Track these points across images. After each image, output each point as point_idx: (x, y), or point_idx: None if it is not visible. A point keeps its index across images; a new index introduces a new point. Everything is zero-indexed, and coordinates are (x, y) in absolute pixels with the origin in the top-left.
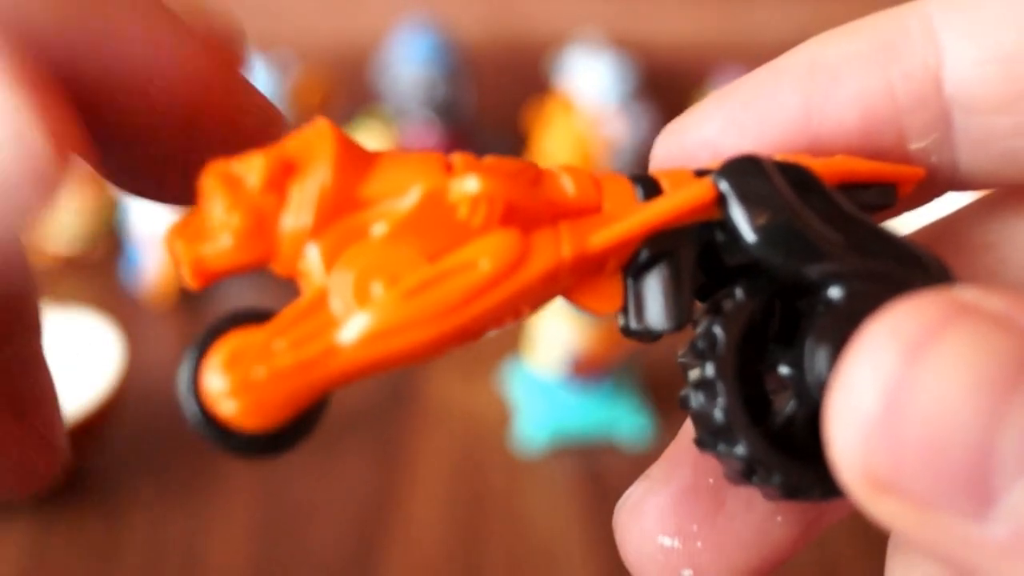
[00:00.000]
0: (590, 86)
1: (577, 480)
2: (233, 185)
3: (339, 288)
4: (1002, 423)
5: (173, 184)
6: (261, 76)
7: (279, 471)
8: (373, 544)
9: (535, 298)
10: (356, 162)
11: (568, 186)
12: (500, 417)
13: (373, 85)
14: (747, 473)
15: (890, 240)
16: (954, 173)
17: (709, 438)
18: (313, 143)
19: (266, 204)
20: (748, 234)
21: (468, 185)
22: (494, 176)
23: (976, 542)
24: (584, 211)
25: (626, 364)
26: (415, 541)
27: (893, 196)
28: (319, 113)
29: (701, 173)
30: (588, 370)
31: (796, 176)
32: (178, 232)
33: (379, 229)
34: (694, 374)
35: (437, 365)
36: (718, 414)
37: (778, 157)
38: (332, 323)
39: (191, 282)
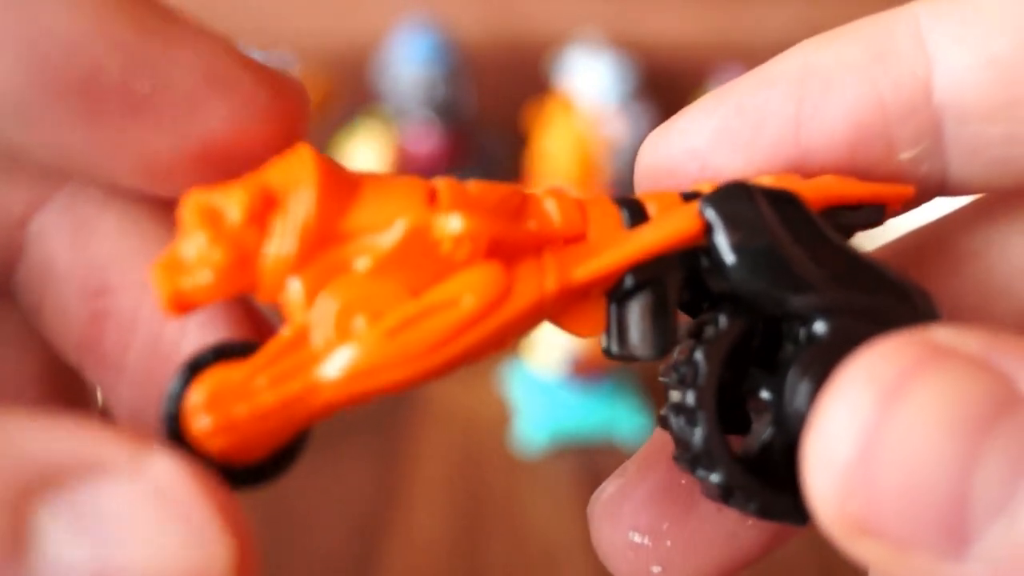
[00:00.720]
0: (590, 86)
1: (577, 480)
2: (213, 219)
3: (321, 323)
4: (978, 465)
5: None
6: None
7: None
8: (373, 544)
9: (520, 328)
10: (339, 193)
11: (553, 213)
12: (500, 417)
13: (373, 85)
14: (724, 497)
15: (878, 273)
16: (944, 180)
17: (687, 461)
18: (295, 173)
19: (248, 238)
20: (732, 270)
21: (451, 224)
22: (477, 213)
23: None
24: (569, 239)
25: (626, 364)
26: (415, 541)
27: (881, 216)
28: (319, 113)
29: (689, 197)
30: (588, 370)
31: (784, 205)
32: (160, 263)
33: (362, 263)
34: (675, 396)
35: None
36: (697, 442)
37: (766, 181)
38: (313, 359)
39: (168, 313)
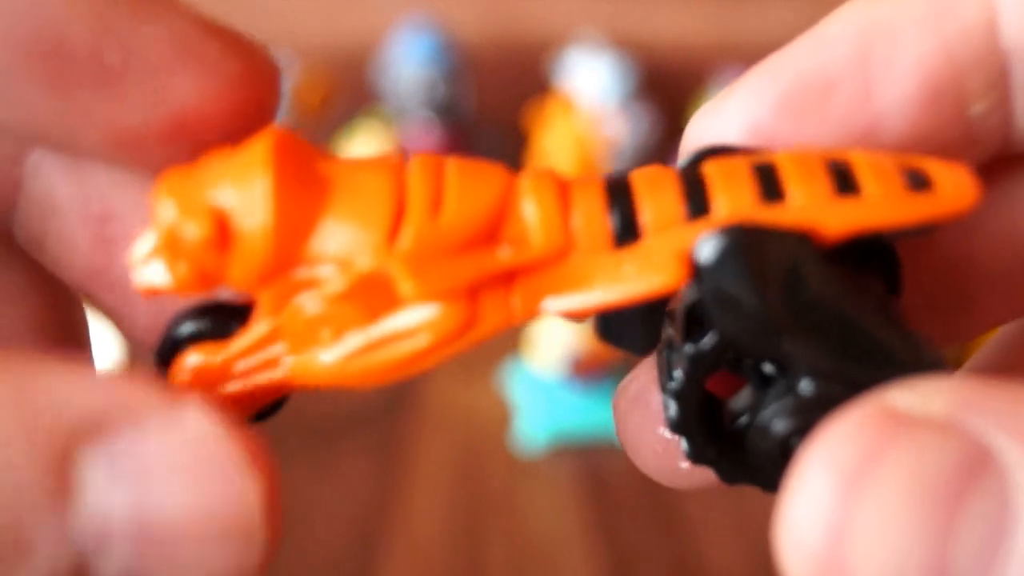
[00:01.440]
0: (590, 86)
1: (577, 480)
2: (173, 244)
3: (287, 332)
4: (954, 537)
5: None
6: None
7: (279, 471)
8: (373, 544)
9: (489, 338)
10: (299, 214)
11: (533, 229)
12: (500, 417)
13: (373, 85)
14: (691, 459)
15: (884, 341)
16: (1009, 133)
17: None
18: (254, 197)
19: (208, 260)
20: (719, 331)
21: (403, 289)
22: (431, 260)
23: None
24: (548, 261)
25: (626, 364)
26: (415, 541)
27: (931, 230)
28: (319, 113)
29: (693, 204)
30: (588, 370)
31: (792, 254)
32: (134, 256)
33: (327, 281)
34: (665, 385)
35: (437, 365)
36: (672, 415)
37: (791, 200)
38: (280, 359)
39: (144, 298)
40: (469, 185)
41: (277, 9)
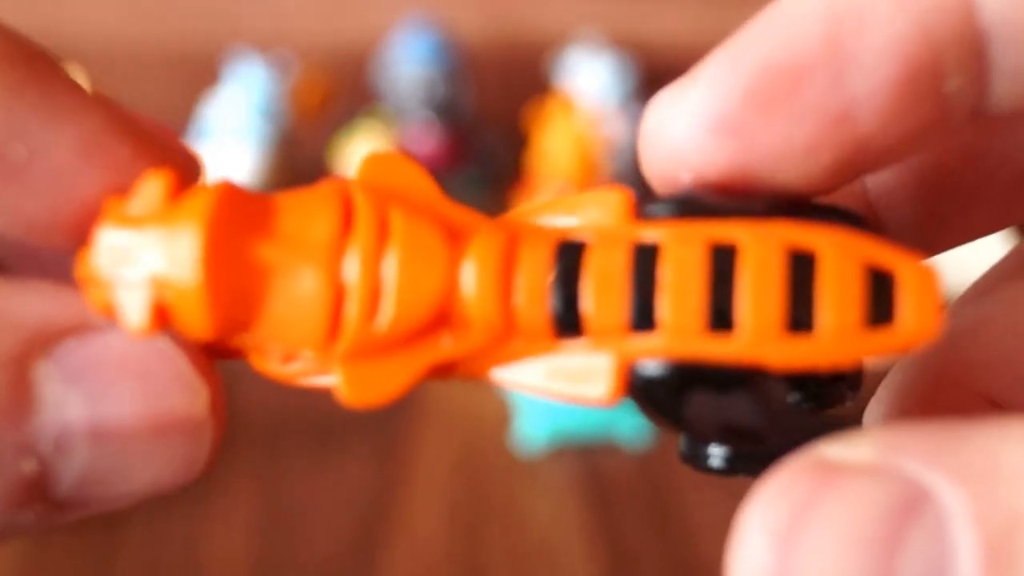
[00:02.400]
0: (590, 86)
1: (577, 480)
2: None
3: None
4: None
5: None
6: (261, 76)
7: (279, 471)
8: (373, 544)
9: None
10: (232, 312)
11: (473, 321)
12: (500, 417)
13: (373, 85)
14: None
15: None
16: (982, 104)
17: None
18: (185, 292)
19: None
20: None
21: (341, 393)
22: (368, 379)
23: None
24: (489, 346)
25: None
26: (415, 541)
27: (857, 386)
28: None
29: (639, 309)
30: None
31: (728, 399)
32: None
33: (271, 349)
34: None
35: None
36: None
37: (743, 326)
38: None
39: None
40: (412, 276)
41: (277, 9)
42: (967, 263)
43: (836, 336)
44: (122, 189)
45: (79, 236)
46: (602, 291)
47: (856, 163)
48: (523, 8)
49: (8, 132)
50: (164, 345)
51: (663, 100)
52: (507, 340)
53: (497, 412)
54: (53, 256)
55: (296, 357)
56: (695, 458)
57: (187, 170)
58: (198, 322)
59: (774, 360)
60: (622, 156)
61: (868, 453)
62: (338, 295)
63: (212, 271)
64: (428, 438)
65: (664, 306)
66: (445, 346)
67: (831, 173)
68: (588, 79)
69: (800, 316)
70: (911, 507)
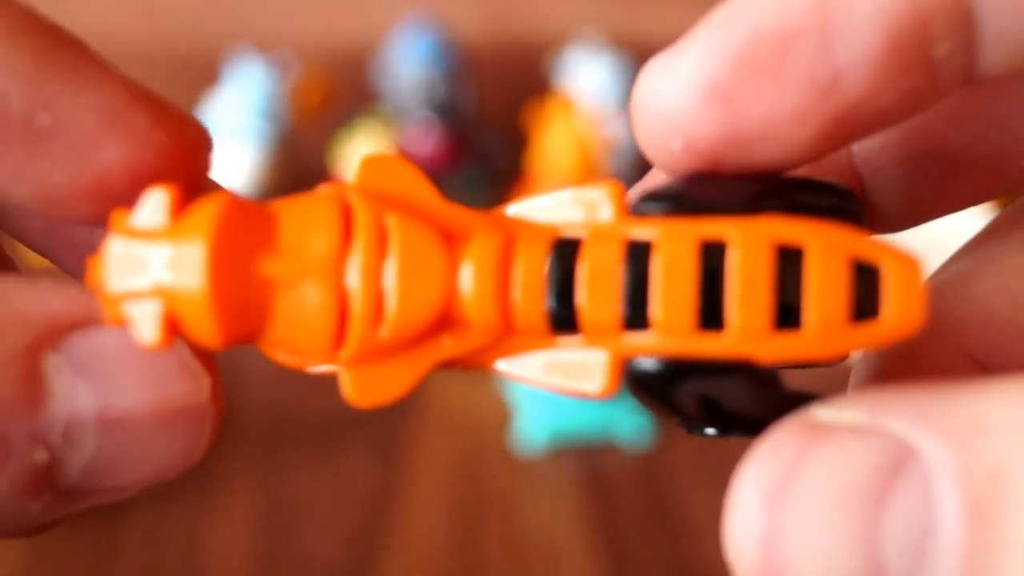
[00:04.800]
0: (590, 86)
1: (577, 480)
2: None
3: None
4: (882, 533)
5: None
6: (261, 76)
7: (279, 471)
8: (373, 544)
9: None
10: (240, 327)
11: (472, 322)
12: (500, 417)
13: (373, 85)
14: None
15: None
16: (972, 70)
17: None
18: (197, 315)
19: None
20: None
21: (347, 394)
22: (373, 382)
23: None
24: (488, 343)
25: None
26: (415, 541)
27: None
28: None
29: (632, 311)
30: None
31: (719, 388)
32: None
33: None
34: None
35: None
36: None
37: (730, 330)
38: None
39: None
40: (413, 280)
41: (277, 9)
42: (952, 243)
43: (822, 332)
44: (139, 159)
45: (98, 206)
46: (596, 290)
47: (846, 129)
48: (523, 8)
49: (34, 101)
50: None
51: (654, 68)
52: (505, 338)
53: (497, 412)
54: (79, 238)
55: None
56: (690, 428)
57: (198, 143)
58: (207, 333)
59: (762, 356)
60: (622, 156)
61: (857, 415)
62: (342, 304)
63: (219, 283)
64: (428, 438)
65: (656, 305)
66: (446, 346)
67: (821, 139)
68: (588, 79)
69: (787, 314)
70: (898, 464)
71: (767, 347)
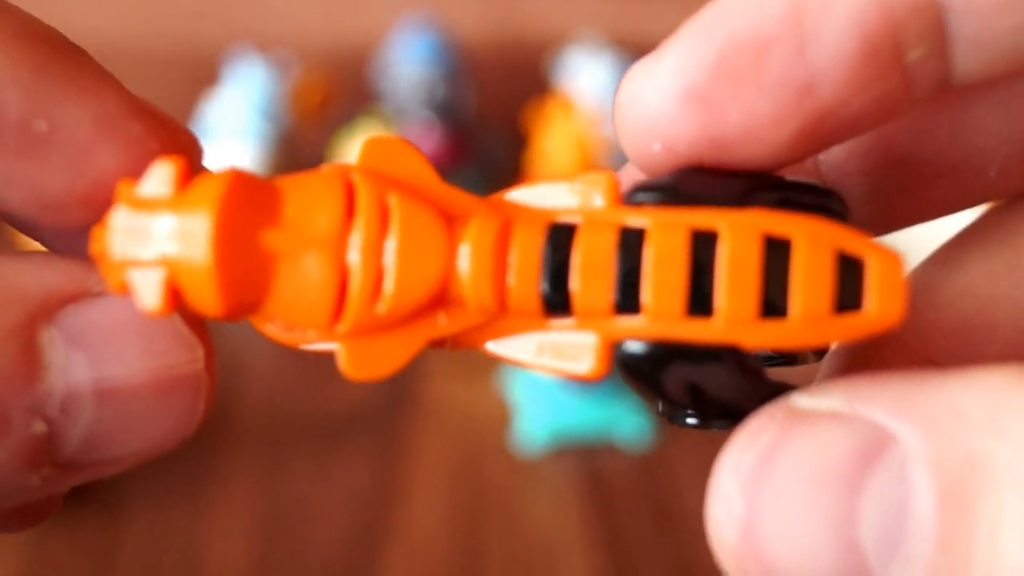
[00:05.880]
0: (590, 86)
1: (577, 480)
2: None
3: None
4: (858, 516)
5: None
6: (261, 76)
7: (279, 470)
8: (373, 544)
9: None
10: (243, 295)
11: (468, 300)
12: (500, 417)
13: (373, 85)
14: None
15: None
16: (947, 76)
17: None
18: (196, 281)
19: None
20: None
21: (342, 368)
22: (368, 357)
23: None
24: (482, 323)
25: None
26: (415, 541)
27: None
28: (319, 113)
29: (624, 289)
30: None
31: (710, 371)
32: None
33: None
34: None
35: (437, 365)
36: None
37: (718, 312)
38: None
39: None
40: (412, 260)
41: (277, 9)
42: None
43: (806, 322)
44: (134, 166)
45: (92, 213)
46: (589, 274)
47: (822, 133)
48: (523, 8)
49: (32, 108)
50: None
51: (635, 72)
52: (499, 318)
53: (497, 412)
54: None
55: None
56: (672, 416)
57: (190, 151)
58: (209, 302)
59: (748, 342)
60: (622, 156)
61: (834, 401)
62: (342, 278)
63: (223, 254)
64: (428, 438)
65: (647, 291)
66: (441, 324)
67: (798, 142)
68: (588, 79)
69: (774, 303)
70: (874, 450)
71: (753, 334)
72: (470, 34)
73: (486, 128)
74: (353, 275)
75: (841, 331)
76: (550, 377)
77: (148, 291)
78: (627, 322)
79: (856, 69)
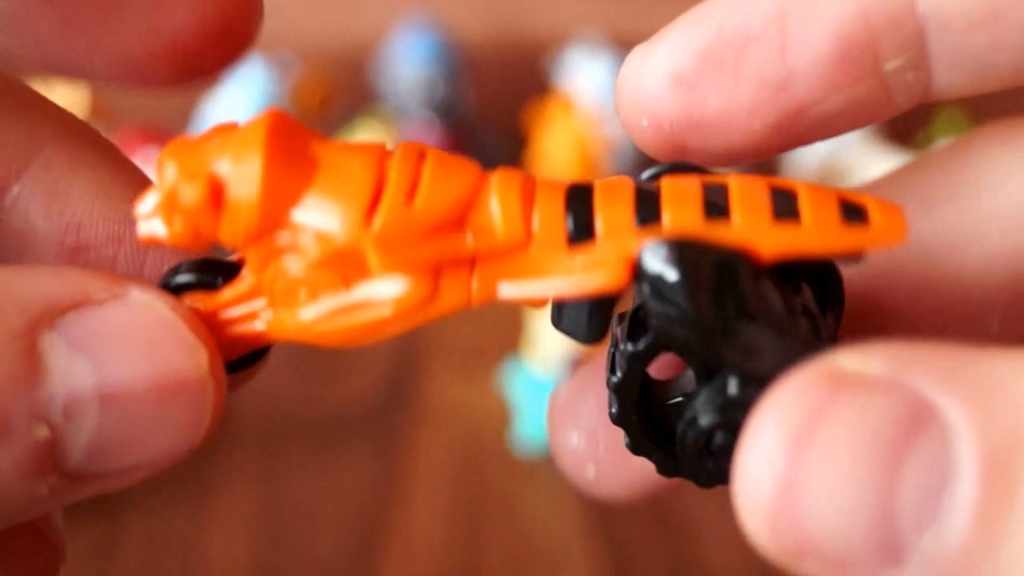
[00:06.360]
0: (590, 86)
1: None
2: (172, 201)
3: (268, 289)
4: (899, 485)
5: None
6: (261, 76)
7: (279, 470)
8: (373, 544)
9: (448, 315)
10: (286, 188)
11: (496, 222)
12: (500, 417)
13: (373, 85)
14: (632, 452)
15: (812, 349)
16: (928, 87)
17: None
18: (247, 159)
19: (201, 220)
20: (657, 328)
21: (371, 261)
22: (401, 240)
23: None
24: (507, 251)
25: None
26: (415, 541)
27: (860, 258)
28: (319, 113)
29: (643, 209)
30: None
31: (729, 270)
32: (137, 209)
33: (307, 253)
34: (609, 367)
35: (437, 365)
36: (614, 413)
37: (733, 221)
38: (260, 312)
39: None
40: (443, 177)
41: (277, 9)
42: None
43: (817, 226)
44: (206, 16)
45: (173, 69)
46: (611, 202)
47: (797, 129)
48: (523, 8)
49: None
50: (161, 310)
51: (632, 56)
52: (521, 250)
53: (497, 412)
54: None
55: (323, 291)
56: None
57: (250, 7)
58: (252, 191)
59: (764, 244)
60: (622, 156)
61: (880, 367)
62: (379, 184)
63: (274, 146)
64: (428, 438)
65: (667, 206)
66: (467, 242)
67: (774, 133)
68: (588, 79)
69: (784, 213)
70: (918, 422)
71: (768, 236)
72: (470, 34)
73: (486, 128)
74: (389, 180)
75: (851, 239)
76: (553, 375)
77: (190, 191)
78: (648, 232)
79: (832, 71)
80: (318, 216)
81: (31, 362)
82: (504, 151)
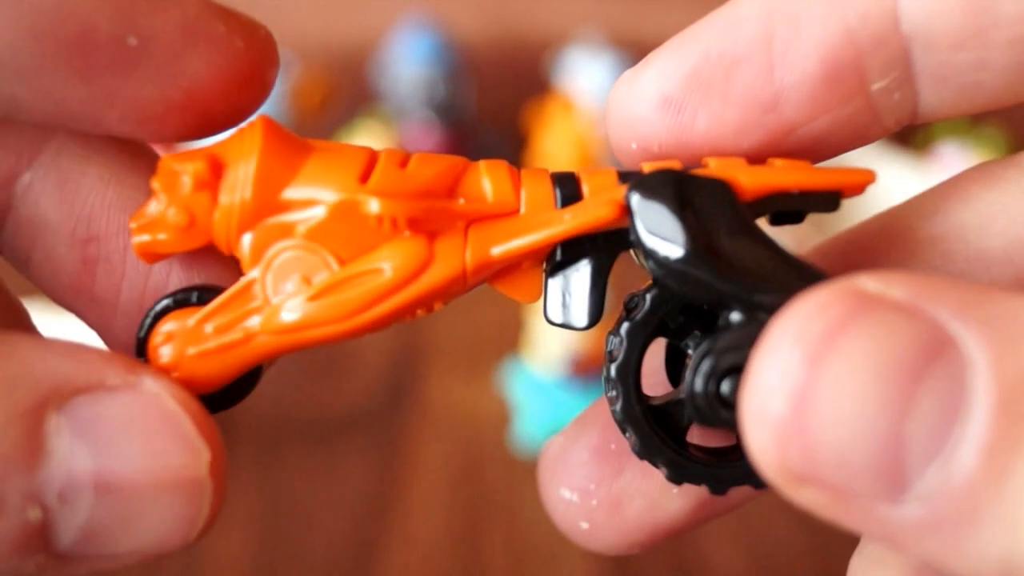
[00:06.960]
0: (590, 86)
1: None
2: (172, 185)
3: (261, 280)
4: (910, 411)
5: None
6: None
7: (279, 470)
8: (373, 544)
9: (443, 295)
10: (280, 165)
11: (487, 189)
12: (500, 417)
13: (373, 85)
14: (640, 457)
15: (796, 267)
16: (915, 108)
17: (616, 423)
18: (246, 146)
19: (197, 203)
20: (650, 255)
21: (371, 206)
22: (399, 194)
23: (895, 522)
24: (499, 215)
25: None
26: (415, 541)
27: (836, 202)
28: (319, 113)
29: (626, 177)
30: (588, 370)
31: (714, 194)
32: (135, 220)
33: (301, 228)
34: (604, 370)
35: (437, 365)
36: (617, 412)
37: (712, 164)
38: (253, 312)
39: (143, 260)
40: (430, 156)
41: (277, 9)
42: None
43: (791, 167)
44: (223, 67)
45: (189, 121)
46: (594, 175)
47: (785, 149)
48: (523, 8)
49: (121, 25)
50: (170, 405)
51: (622, 79)
52: (511, 215)
53: (497, 412)
54: (106, 296)
55: (317, 271)
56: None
57: (267, 46)
58: (248, 164)
59: (744, 179)
60: None
61: (902, 292)
62: (370, 163)
63: (270, 126)
64: (428, 438)
65: (647, 166)
66: (460, 203)
67: (761, 155)
68: (588, 79)
69: (758, 163)
70: (936, 350)
71: (746, 173)
72: (470, 34)
73: (486, 128)
74: (380, 158)
75: (824, 177)
76: (553, 375)
77: (187, 165)
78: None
79: (819, 91)
80: (316, 185)
81: (33, 443)
82: (504, 151)
